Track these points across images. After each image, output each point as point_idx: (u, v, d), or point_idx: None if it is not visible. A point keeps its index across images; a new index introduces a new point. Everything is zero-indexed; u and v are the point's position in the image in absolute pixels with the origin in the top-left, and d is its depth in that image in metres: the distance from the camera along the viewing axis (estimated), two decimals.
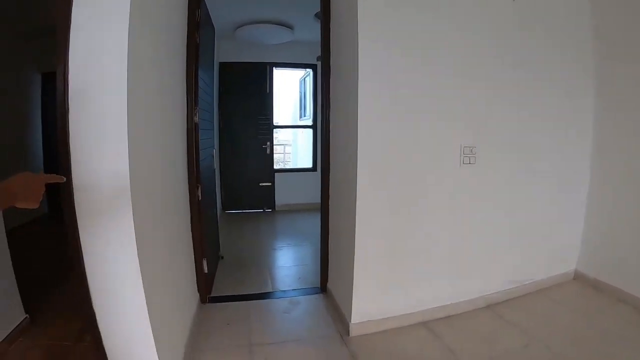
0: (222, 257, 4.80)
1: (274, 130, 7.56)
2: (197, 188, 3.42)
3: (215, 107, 6.48)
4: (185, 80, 3.23)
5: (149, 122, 2.10)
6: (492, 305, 3.44)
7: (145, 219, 1.91)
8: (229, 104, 7.23)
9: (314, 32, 4.80)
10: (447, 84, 3.01)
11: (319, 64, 7.35)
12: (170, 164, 2.67)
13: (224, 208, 7.50)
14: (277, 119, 7.68)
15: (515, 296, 3.59)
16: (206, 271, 3.63)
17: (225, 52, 7.12)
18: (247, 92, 7.27)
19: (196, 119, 3.38)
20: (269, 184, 7.57)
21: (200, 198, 3.46)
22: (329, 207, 3.74)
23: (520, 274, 3.66)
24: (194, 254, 3.46)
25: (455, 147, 3.13)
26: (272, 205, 7.67)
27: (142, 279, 1.80)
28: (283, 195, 7.70)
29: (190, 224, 3.36)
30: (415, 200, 3.07)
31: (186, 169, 3.27)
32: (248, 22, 6.01)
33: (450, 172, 3.15)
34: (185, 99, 3.25)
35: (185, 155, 3.25)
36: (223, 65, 7.16)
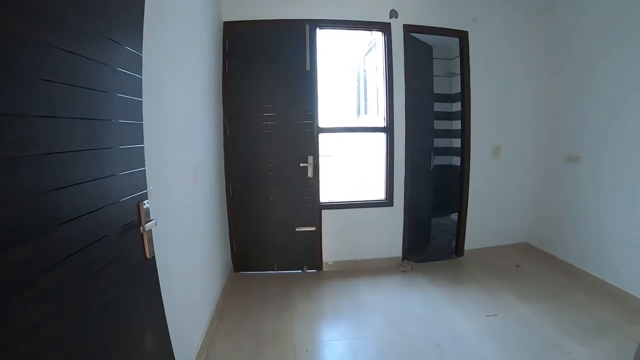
0: None
1: (320, 135, 4.42)
2: None
3: (214, 100, 3.61)
4: None
5: None
6: None
7: None
8: (240, 94, 4.23)
9: None
10: None
11: (394, 22, 4.38)
12: None
13: (235, 267, 4.52)
14: (324, 118, 4.54)
15: None
16: None
17: (232, 3, 4.16)
18: (273, 72, 4.26)
19: None
20: (312, 228, 4.49)
21: None
22: None
23: None
24: None
25: None
26: (316, 263, 4.61)
27: None
28: (335, 246, 4.62)
29: None
30: None
31: None
32: None
33: None
34: None
35: None
36: (230, 29, 4.17)
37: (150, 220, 1.63)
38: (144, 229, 1.58)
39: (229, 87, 4.18)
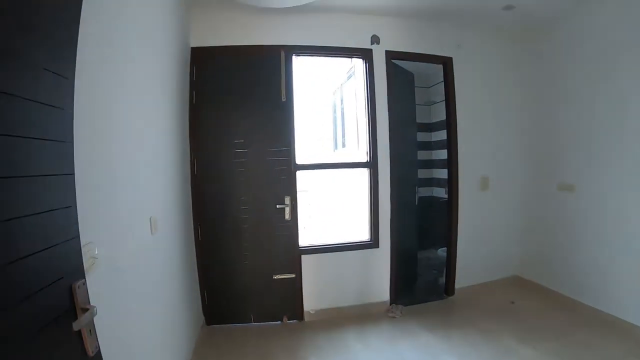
0: None
1: (297, 172, 4.05)
2: None
3: (179, 135, 3.23)
4: None
5: None
6: None
7: None
8: (210, 128, 3.83)
9: None
10: None
11: (375, 48, 4.10)
12: None
13: (207, 320, 4.02)
14: (301, 154, 4.16)
15: None
16: None
17: (202, 27, 3.82)
18: (246, 104, 3.89)
19: None
20: (292, 275, 4.04)
21: None
22: None
23: None
24: None
25: None
26: (297, 312, 4.14)
27: None
28: (318, 293, 4.17)
29: None
30: None
31: None
32: None
33: None
34: None
35: None
36: (198, 55, 3.81)
37: (89, 309, 1.19)
38: (80, 322, 1.15)
39: (196, 120, 3.77)
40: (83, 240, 1.30)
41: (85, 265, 1.34)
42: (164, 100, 2.90)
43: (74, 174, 1.23)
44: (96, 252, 1.51)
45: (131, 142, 2.09)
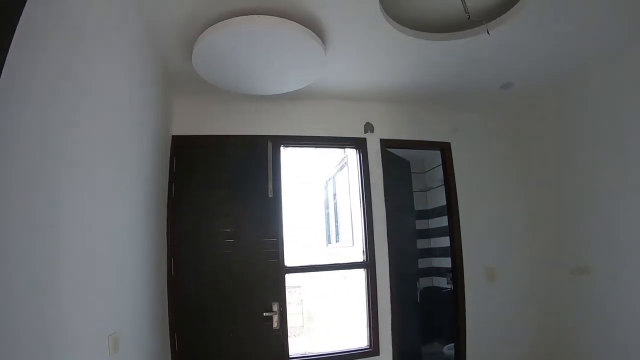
0: None
1: (287, 275, 3.64)
2: None
3: (153, 233, 2.92)
4: None
5: None
6: None
7: None
8: (190, 225, 3.49)
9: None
10: None
11: (369, 137, 3.90)
12: None
13: None
14: (291, 253, 3.78)
15: None
16: None
17: (185, 115, 3.64)
18: (231, 200, 3.59)
19: None
20: None
21: None
22: None
23: None
24: None
25: None
26: None
27: None
28: None
29: None
30: None
31: None
32: (215, 20, 2.49)
33: None
34: None
35: None
36: (179, 144, 3.56)
37: None
38: None
39: (175, 215, 3.42)
40: None
41: None
42: (137, 196, 2.55)
43: None
44: None
45: (91, 246, 1.72)
